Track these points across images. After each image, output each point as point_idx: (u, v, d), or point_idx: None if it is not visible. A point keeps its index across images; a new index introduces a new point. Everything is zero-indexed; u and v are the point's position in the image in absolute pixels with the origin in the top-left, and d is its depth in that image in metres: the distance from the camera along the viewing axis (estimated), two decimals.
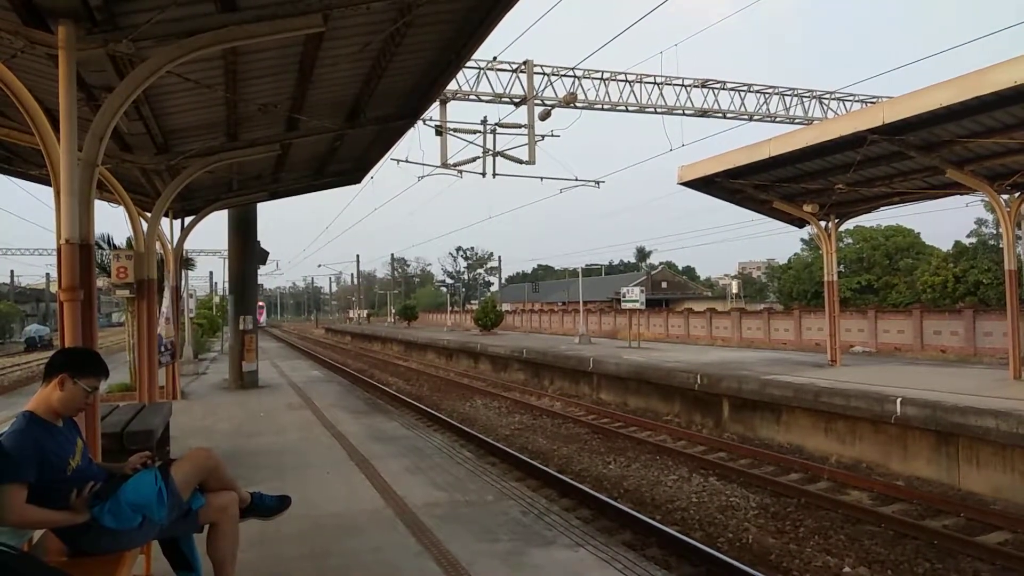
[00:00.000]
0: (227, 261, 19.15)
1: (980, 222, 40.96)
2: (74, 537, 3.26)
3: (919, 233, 45.80)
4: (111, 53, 5.29)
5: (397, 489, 6.68)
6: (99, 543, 3.28)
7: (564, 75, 20.96)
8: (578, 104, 21.01)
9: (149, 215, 10.72)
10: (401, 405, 18.16)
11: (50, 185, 4.83)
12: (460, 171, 19.78)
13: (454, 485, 6.86)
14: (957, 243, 41.36)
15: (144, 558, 4.17)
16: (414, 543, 5.11)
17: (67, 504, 3.16)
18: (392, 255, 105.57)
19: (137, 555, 3.71)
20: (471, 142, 19.45)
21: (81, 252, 4.73)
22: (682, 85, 22.54)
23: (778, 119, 23.68)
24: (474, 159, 19.58)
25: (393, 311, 73.83)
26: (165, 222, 13.58)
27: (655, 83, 22.26)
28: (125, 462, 3.63)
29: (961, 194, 14.32)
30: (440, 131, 19.01)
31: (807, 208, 15.36)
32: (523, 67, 19.99)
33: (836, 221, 16.43)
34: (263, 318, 69.57)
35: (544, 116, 19.61)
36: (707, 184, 15.40)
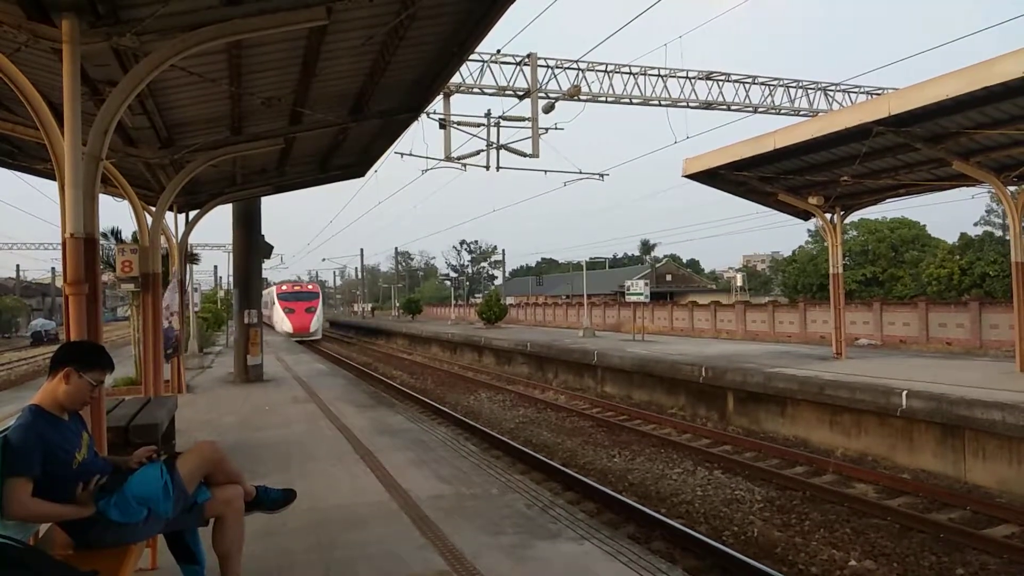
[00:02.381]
0: (231, 255, 19.19)
1: (990, 210, 40.70)
2: (80, 530, 3.27)
3: (924, 225, 45.68)
4: (115, 47, 5.28)
5: (402, 482, 6.70)
6: (105, 536, 3.29)
7: (568, 68, 20.88)
8: (582, 97, 20.91)
9: (154, 209, 10.75)
10: (405, 398, 18.20)
11: (55, 180, 4.84)
12: (464, 164, 19.74)
13: (459, 478, 6.87)
14: (963, 235, 41.16)
15: (150, 551, 4.20)
16: (419, 536, 5.12)
17: (73, 498, 3.17)
18: (396, 249, 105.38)
19: (143, 548, 3.73)
20: (475, 135, 19.42)
21: (86, 246, 4.73)
22: (686, 77, 22.43)
23: (783, 111, 23.57)
24: (478, 152, 19.54)
25: (397, 305, 73.81)
26: (170, 216, 13.60)
27: (659, 75, 22.16)
28: (130, 456, 3.65)
29: (967, 186, 14.24)
30: (444, 124, 18.97)
31: (812, 200, 15.31)
32: (527, 60, 19.91)
33: (841, 213, 16.36)
34: (316, 320, 43.49)
35: (548, 109, 19.54)
36: (712, 177, 15.36)
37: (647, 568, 4.47)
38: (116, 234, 15.49)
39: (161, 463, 3.52)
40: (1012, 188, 12.94)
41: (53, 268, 68.51)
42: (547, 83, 20.48)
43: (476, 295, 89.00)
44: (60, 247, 4.80)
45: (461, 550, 4.79)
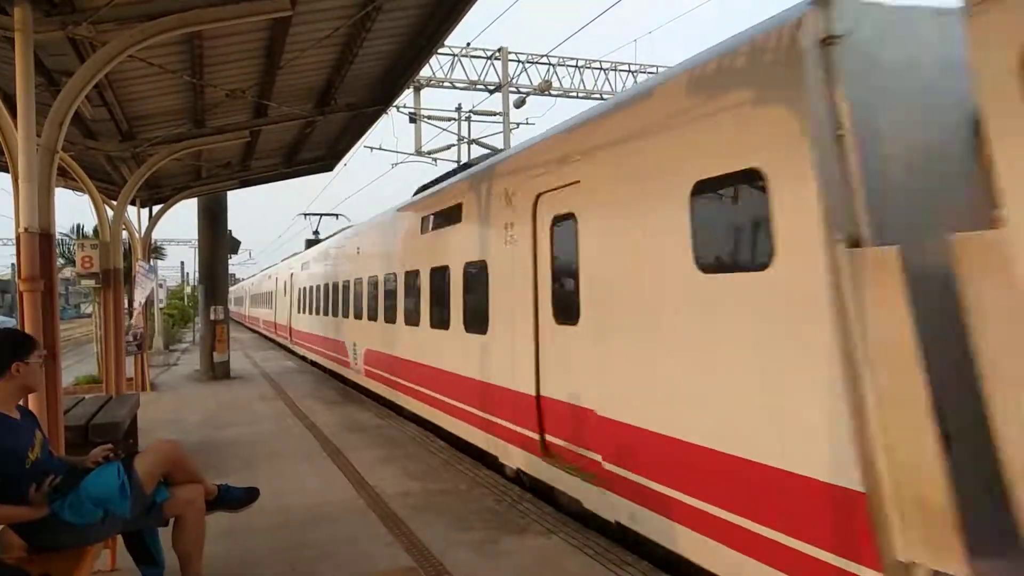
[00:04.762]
0: (197, 251, 18.85)
1: None
2: (33, 533, 3.19)
3: None
4: (71, 36, 5.14)
5: (370, 479, 6.65)
6: (59, 538, 3.21)
7: (539, 62, 20.84)
8: (553, 92, 20.91)
9: (115, 203, 10.53)
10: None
11: (8, 173, 4.70)
12: (435, 159, 19.68)
13: (428, 474, 6.84)
14: None
15: (108, 552, 4.11)
16: (386, 533, 5.09)
17: (25, 498, 3.07)
18: None
19: (100, 550, 3.66)
20: (445, 129, 19.36)
21: (41, 241, 4.60)
22: (656, 73, 22.57)
23: None
24: (449, 147, 19.49)
25: None
26: (132, 211, 13.33)
27: (630, 71, 22.23)
28: (87, 455, 3.57)
29: None
30: (414, 118, 18.86)
31: None
32: (498, 54, 19.85)
33: None
34: None
35: (519, 104, 19.53)
36: None
37: (613, 560, 4.51)
38: (79, 231, 15.17)
39: (118, 462, 3.44)
40: None
41: (13, 264, 66.83)
42: (518, 77, 20.42)
43: None
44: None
45: (429, 547, 4.77)
